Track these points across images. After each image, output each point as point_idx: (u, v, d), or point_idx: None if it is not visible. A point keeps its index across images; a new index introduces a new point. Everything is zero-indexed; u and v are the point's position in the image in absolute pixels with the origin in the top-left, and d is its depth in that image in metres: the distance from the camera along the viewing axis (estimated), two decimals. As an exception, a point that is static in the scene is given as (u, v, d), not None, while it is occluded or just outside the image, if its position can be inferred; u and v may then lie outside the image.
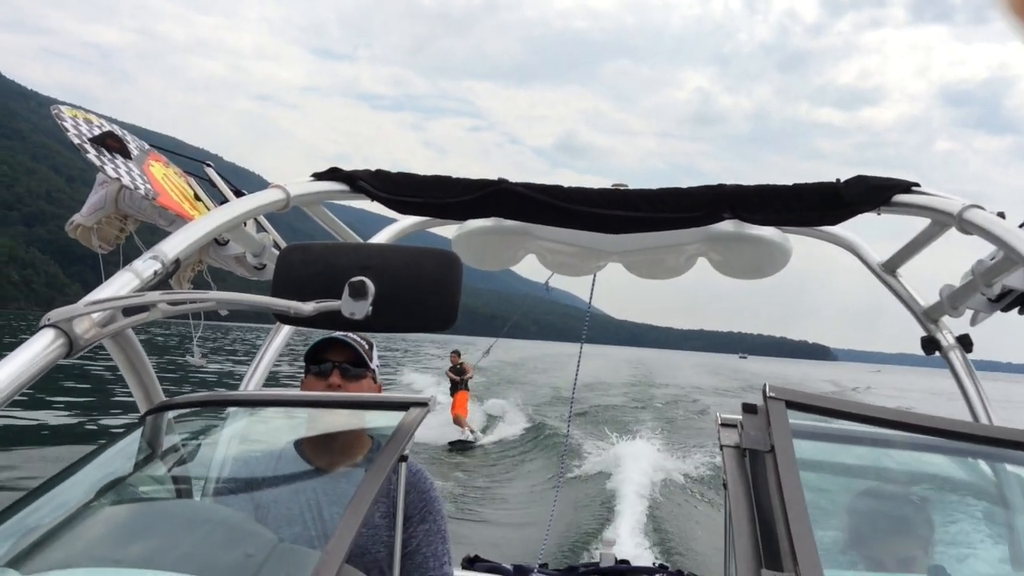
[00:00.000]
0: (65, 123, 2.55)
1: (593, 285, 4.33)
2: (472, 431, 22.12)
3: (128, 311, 2.08)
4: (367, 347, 2.76)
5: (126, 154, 2.69)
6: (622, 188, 2.89)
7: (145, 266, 2.19)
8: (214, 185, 3.00)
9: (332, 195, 2.88)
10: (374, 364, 2.77)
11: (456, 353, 24.12)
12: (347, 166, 2.96)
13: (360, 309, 1.99)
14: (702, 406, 33.70)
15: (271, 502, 2.46)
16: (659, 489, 14.03)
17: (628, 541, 10.19)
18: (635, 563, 4.26)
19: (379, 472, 1.76)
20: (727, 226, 3.25)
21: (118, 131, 2.70)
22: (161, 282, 2.22)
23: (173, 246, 2.29)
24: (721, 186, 2.73)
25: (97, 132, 2.63)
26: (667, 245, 3.56)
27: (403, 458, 1.86)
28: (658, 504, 13.03)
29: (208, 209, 2.91)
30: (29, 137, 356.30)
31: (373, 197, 2.87)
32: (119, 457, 2.22)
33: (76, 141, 2.53)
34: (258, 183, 2.98)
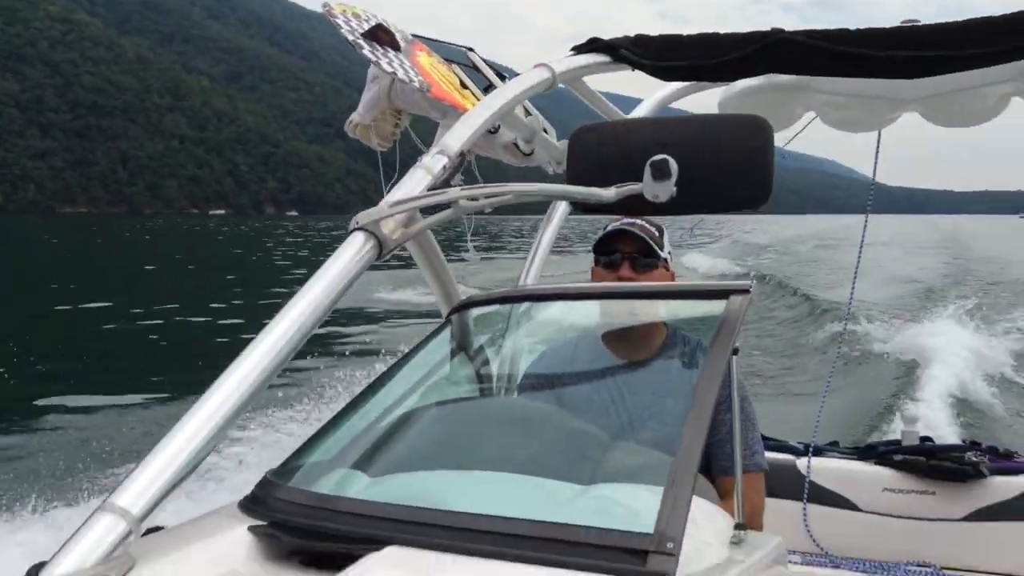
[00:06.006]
0: (337, 20, 2.49)
1: (879, 145, 3.83)
2: None
3: (429, 210, 2.01)
4: (657, 234, 2.51)
5: (396, 46, 2.60)
6: (915, 24, 2.46)
7: (434, 162, 2.10)
8: (477, 71, 2.87)
9: (595, 68, 2.65)
10: (666, 251, 2.52)
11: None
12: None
13: (664, 191, 1.76)
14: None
15: (583, 397, 2.37)
16: (963, 368, 12.46)
17: (929, 420, 9.32)
18: (941, 442, 3.84)
19: (717, 368, 1.58)
20: None
21: (386, 23, 2.62)
22: (450, 177, 2.14)
23: (456, 138, 2.18)
24: None
25: (367, 26, 2.57)
26: (974, 86, 3.03)
27: (735, 351, 1.65)
28: (966, 383, 11.67)
29: (475, 96, 2.80)
30: (324, 57, 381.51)
31: (636, 66, 2.61)
32: (433, 357, 2.18)
33: (350, 38, 2.48)
34: (507, 74, 2.83)
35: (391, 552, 1.38)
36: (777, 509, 3.46)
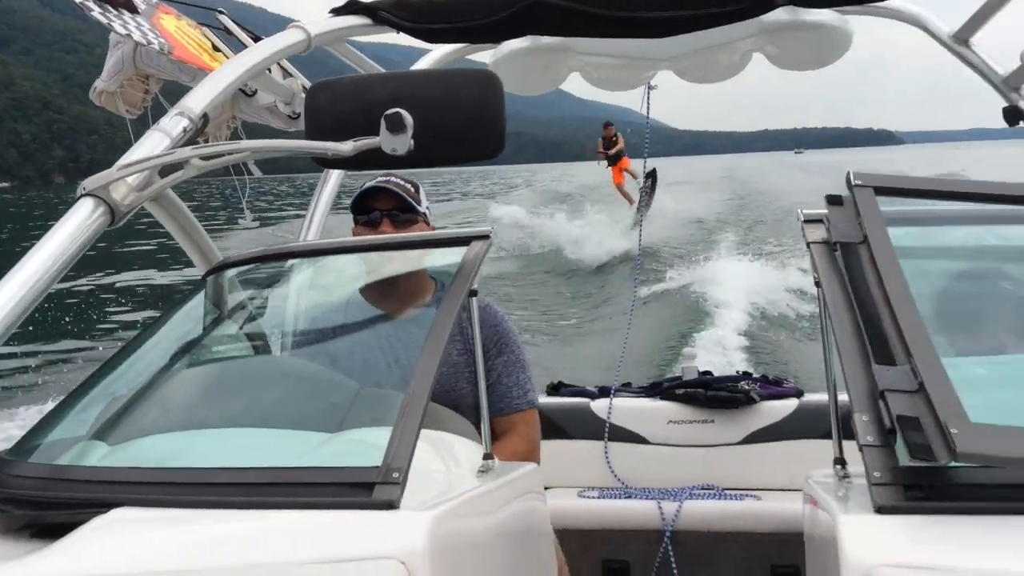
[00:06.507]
0: None
1: (648, 97, 3.98)
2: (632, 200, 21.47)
3: (163, 171, 1.94)
4: (413, 190, 2.51)
5: (132, 8, 2.41)
6: None
7: (173, 123, 2.02)
8: (230, 34, 2.71)
9: (355, 30, 2.58)
10: (424, 207, 2.53)
11: (609, 124, 22.14)
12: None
13: (401, 144, 1.76)
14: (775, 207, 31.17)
15: (343, 352, 2.35)
16: (745, 299, 13.17)
17: (711, 353, 9.84)
18: (718, 374, 4.08)
19: (451, 308, 1.64)
20: (781, 15, 2.87)
21: None
22: (191, 139, 2.04)
23: (198, 100, 2.09)
24: None
25: (97, -13, 2.35)
26: (719, 44, 3.17)
27: (472, 292, 1.73)
28: (742, 316, 12.35)
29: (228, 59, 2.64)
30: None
31: (398, 28, 2.55)
32: (187, 320, 2.13)
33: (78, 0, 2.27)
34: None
35: (117, 513, 1.35)
36: (581, 450, 3.64)
